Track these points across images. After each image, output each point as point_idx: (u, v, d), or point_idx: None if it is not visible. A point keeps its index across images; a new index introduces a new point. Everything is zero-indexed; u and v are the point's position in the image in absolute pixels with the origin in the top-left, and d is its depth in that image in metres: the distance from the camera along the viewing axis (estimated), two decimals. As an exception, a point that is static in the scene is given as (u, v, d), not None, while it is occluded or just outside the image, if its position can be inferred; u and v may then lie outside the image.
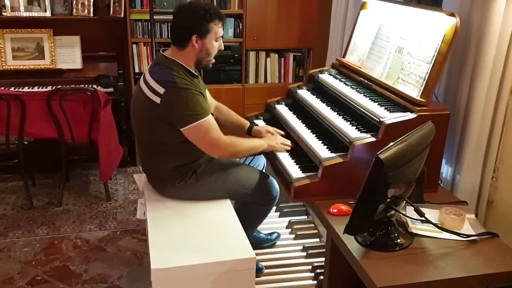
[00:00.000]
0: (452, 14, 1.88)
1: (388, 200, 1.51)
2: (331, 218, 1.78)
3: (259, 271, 2.34)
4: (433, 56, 1.94)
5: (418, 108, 1.90)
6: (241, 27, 3.76)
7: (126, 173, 3.78)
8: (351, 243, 1.61)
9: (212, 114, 2.09)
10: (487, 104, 2.01)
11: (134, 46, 3.66)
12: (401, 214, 1.67)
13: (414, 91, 1.99)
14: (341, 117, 2.15)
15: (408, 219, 1.72)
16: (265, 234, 2.57)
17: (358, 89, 2.26)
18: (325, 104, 2.34)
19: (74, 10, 3.56)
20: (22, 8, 3.48)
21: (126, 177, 3.71)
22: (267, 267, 2.39)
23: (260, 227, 2.51)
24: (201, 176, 2.12)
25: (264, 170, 2.51)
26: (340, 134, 2.02)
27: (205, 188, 2.13)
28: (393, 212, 1.59)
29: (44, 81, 3.50)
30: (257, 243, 2.49)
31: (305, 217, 2.88)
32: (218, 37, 2.06)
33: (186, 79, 2.00)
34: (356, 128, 2.00)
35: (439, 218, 1.73)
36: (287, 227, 2.78)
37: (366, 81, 2.30)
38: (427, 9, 2.07)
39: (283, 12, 3.78)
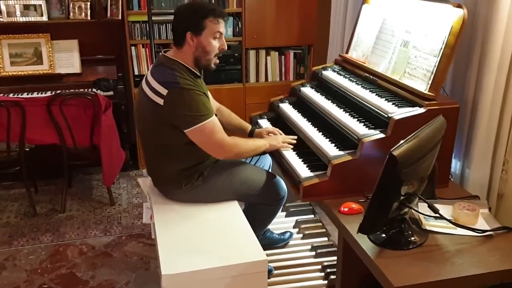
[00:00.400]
0: (459, 6, 1.85)
1: (402, 197, 1.48)
2: (342, 217, 1.75)
3: (268, 273, 2.30)
4: (441, 48, 1.90)
5: (427, 103, 1.86)
6: (240, 25, 3.72)
7: (128, 176, 3.75)
8: (365, 242, 1.58)
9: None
10: (495, 95, 1.98)
11: (132, 48, 3.62)
12: (414, 211, 1.64)
13: (422, 85, 1.96)
14: (348, 114, 2.11)
15: (421, 216, 1.69)
16: (277, 234, 2.54)
17: (363, 85, 2.23)
18: (330, 101, 2.31)
19: (71, 14, 3.52)
20: (18, 13, 3.44)
21: (129, 181, 3.67)
22: (276, 268, 2.36)
23: (272, 227, 2.48)
24: (207, 178, 2.08)
25: (270, 170, 2.48)
26: (348, 131, 1.99)
27: (212, 190, 2.09)
28: (406, 209, 1.55)
29: (43, 87, 3.46)
30: (270, 243, 2.46)
31: (312, 216, 2.85)
32: (216, 34, 2.00)
33: (189, 80, 1.97)
34: (364, 125, 1.97)
35: (453, 213, 1.70)
36: (294, 227, 2.75)
37: (371, 77, 2.27)
38: (433, 1, 2.03)
39: (282, 9, 3.74)
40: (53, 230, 2.96)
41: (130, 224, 3.04)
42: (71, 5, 3.51)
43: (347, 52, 2.66)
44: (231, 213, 2.07)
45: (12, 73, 3.47)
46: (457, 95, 2.18)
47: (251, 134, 2.36)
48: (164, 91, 1.92)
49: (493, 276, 1.46)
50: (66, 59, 3.55)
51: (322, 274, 2.34)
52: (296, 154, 2.14)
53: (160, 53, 2.11)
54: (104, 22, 3.57)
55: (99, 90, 3.47)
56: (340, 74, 2.47)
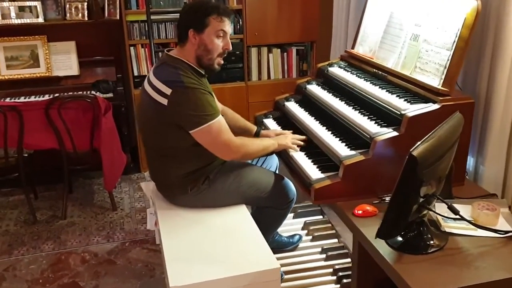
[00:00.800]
0: (472, -4, 1.77)
1: (421, 199, 1.41)
2: (357, 220, 1.67)
3: (279, 278, 2.23)
4: (454, 42, 1.82)
5: (441, 98, 1.78)
6: (241, 23, 3.64)
7: (130, 180, 3.67)
8: (382, 247, 1.50)
9: None
10: (509, 89, 1.90)
11: (131, 48, 3.54)
12: (431, 213, 1.56)
13: (434, 80, 1.88)
14: (358, 111, 2.04)
15: (439, 217, 1.61)
16: (286, 237, 2.46)
17: (372, 81, 2.15)
18: (338, 98, 2.23)
19: (68, 15, 3.44)
20: (13, 15, 3.36)
21: (131, 185, 3.59)
22: (287, 272, 2.29)
23: (280, 230, 2.41)
24: (214, 181, 2.01)
25: (277, 171, 2.40)
26: (359, 129, 1.91)
27: (219, 194, 2.02)
28: (425, 211, 1.48)
29: (40, 90, 3.39)
30: (279, 247, 2.39)
31: (321, 216, 2.78)
32: (219, 33, 1.92)
33: (193, 78, 1.89)
34: (375, 123, 1.89)
35: (472, 214, 1.63)
36: (303, 228, 2.68)
37: (380, 72, 2.19)
38: (443, -8, 1.95)
39: (283, 5, 3.66)
40: (54, 238, 2.88)
41: (133, 229, 2.96)
42: (68, 5, 3.43)
43: (353, 48, 2.58)
44: (240, 218, 1.99)
45: (9, 77, 3.39)
46: (469, 89, 2.11)
47: (256, 136, 2.29)
48: (168, 91, 1.84)
49: (520, 280, 1.38)
50: (64, 61, 3.47)
51: (334, 277, 2.27)
52: (305, 154, 2.06)
53: (163, 52, 2.03)
54: (101, 22, 3.48)
55: (98, 92, 3.39)
56: (347, 71, 2.39)
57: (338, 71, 2.42)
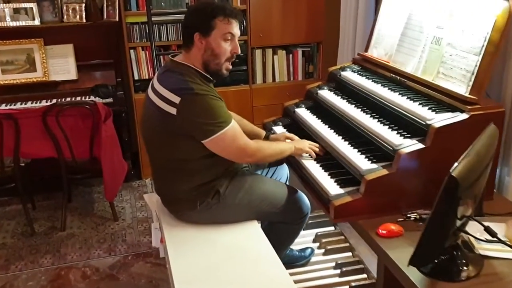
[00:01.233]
0: (504, -3, 1.64)
1: (459, 221, 1.28)
2: (381, 241, 1.54)
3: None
4: (482, 46, 1.69)
5: (469, 107, 1.66)
6: (245, 24, 3.50)
7: (131, 188, 3.54)
8: (412, 272, 1.37)
9: None
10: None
11: (132, 51, 3.40)
12: (463, 234, 1.44)
13: (461, 87, 1.75)
14: (377, 120, 1.91)
15: (472, 238, 1.48)
16: (298, 251, 2.34)
17: (390, 87, 2.02)
18: (353, 105, 2.10)
19: (65, 17, 3.30)
20: (8, 17, 3.22)
21: (132, 193, 3.46)
22: (300, 290, 2.16)
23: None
24: (224, 195, 1.88)
25: (287, 182, 2.27)
26: (379, 140, 1.78)
27: (230, 209, 1.89)
28: (460, 234, 1.35)
29: (37, 96, 3.25)
30: (291, 261, 2.26)
31: (332, 228, 2.65)
32: (226, 36, 1.79)
33: (202, 85, 1.77)
34: (397, 133, 1.76)
35: (507, 233, 1.50)
36: (314, 241, 2.55)
37: (398, 78, 2.06)
38: (469, -8, 1.82)
39: (288, 5, 3.53)
40: (53, 251, 2.75)
41: (136, 241, 2.83)
42: (65, 7, 3.28)
43: (366, 50, 2.45)
44: (252, 235, 1.86)
45: (4, 82, 3.24)
46: (493, 95, 1.98)
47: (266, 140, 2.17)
48: (176, 99, 1.71)
49: None
50: (61, 65, 3.33)
51: (351, 295, 2.14)
52: (320, 166, 1.93)
53: (168, 58, 1.90)
54: (100, 24, 3.34)
55: (97, 97, 3.26)
56: (362, 75, 2.26)
57: (351, 76, 2.29)
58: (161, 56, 3.45)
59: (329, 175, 1.85)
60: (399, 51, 2.14)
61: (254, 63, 3.63)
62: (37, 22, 3.26)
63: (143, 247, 2.76)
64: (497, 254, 1.43)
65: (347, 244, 2.47)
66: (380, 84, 2.09)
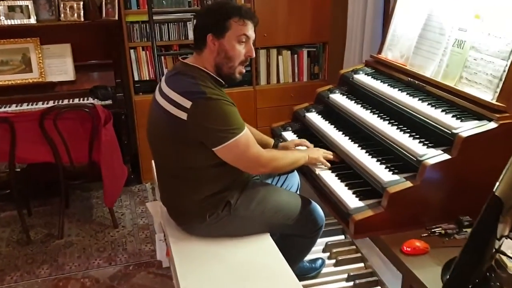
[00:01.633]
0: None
1: (498, 242, 1.18)
2: (407, 259, 1.44)
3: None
4: (511, 50, 1.59)
5: (498, 115, 1.55)
6: (249, 23, 3.38)
7: (131, 192, 3.42)
8: (442, 295, 1.27)
9: None
10: None
11: (132, 51, 3.28)
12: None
13: (487, 94, 1.65)
14: (396, 127, 1.81)
15: (504, 257, 1.38)
16: (308, 262, 2.23)
17: (409, 92, 1.92)
18: (369, 111, 2.00)
19: (62, 15, 3.17)
20: (2, 16, 3.08)
21: (132, 198, 3.34)
22: (312, 304, 2.06)
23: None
24: (235, 207, 1.77)
25: (298, 192, 2.17)
26: (401, 150, 1.68)
27: (241, 221, 1.78)
28: (497, 255, 1.25)
29: (33, 97, 3.12)
30: (301, 273, 2.14)
31: (343, 236, 2.55)
32: (241, 38, 1.69)
33: (214, 89, 1.66)
34: (419, 142, 1.66)
35: (540, 251, 1.40)
36: (324, 251, 2.45)
37: (416, 82, 1.96)
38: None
39: (294, 4, 3.41)
40: (50, 261, 2.63)
41: (137, 250, 2.72)
42: (62, 5, 3.15)
43: (380, 52, 2.34)
44: (265, 249, 1.76)
45: (-2, 83, 3.11)
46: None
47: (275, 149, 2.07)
48: (187, 104, 1.60)
49: None
50: (58, 65, 3.20)
51: (366, 311, 2.05)
52: (336, 176, 1.82)
53: (178, 60, 1.80)
54: (99, 23, 3.21)
55: (96, 99, 3.14)
56: (376, 78, 2.16)
57: (365, 79, 2.19)
58: (162, 57, 3.33)
59: (346, 185, 1.74)
60: (416, 54, 2.04)
61: (258, 64, 3.52)
62: (33, 20, 3.14)
63: (145, 256, 2.65)
64: (533, 275, 1.34)
65: (359, 255, 2.37)
66: (397, 89, 1.98)
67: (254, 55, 1.76)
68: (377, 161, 1.73)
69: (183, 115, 1.61)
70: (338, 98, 2.22)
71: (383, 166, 1.69)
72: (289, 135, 2.27)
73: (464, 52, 1.79)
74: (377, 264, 2.29)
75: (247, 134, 1.67)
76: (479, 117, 1.62)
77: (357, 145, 1.88)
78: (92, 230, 2.94)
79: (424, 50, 2.00)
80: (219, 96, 1.65)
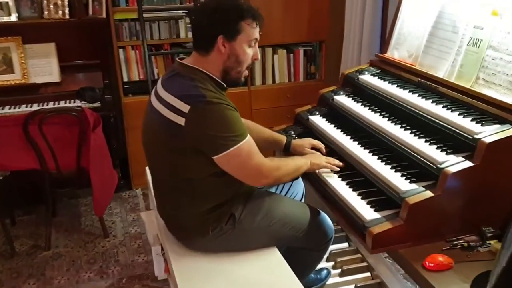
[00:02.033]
0: None
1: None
2: (430, 276, 1.34)
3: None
4: (534, 49, 1.50)
5: (521, 119, 1.46)
6: (243, 21, 3.25)
7: (121, 199, 3.26)
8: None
9: None
10: None
11: (120, 50, 3.13)
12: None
13: (508, 96, 1.55)
14: (409, 131, 1.70)
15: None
16: (313, 273, 2.11)
17: (420, 94, 1.82)
18: (378, 114, 1.89)
19: (46, 12, 2.99)
20: (-19, 13, 2.90)
21: (122, 205, 3.19)
22: (319, 319, 1.95)
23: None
24: (239, 220, 1.64)
25: (303, 200, 2.05)
26: (417, 156, 1.58)
27: (247, 235, 1.65)
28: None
29: (16, 100, 2.94)
30: (306, 285, 2.00)
31: (347, 244, 2.44)
32: (252, 41, 1.59)
33: (215, 92, 1.53)
34: (437, 148, 1.56)
35: None
36: (328, 260, 2.33)
37: (427, 83, 1.86)
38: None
39: (290, 1, 3.30)
40: (37, 275, 2.47)
41: (130, 261, 2.57)
42: (45, 2, 2.97)
43: (385, 52, 2.24)
44: (273, 264, 1.63)
45: (-22, 85, 2.93)
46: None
47: (287, 148, 1.96)
48: (185, 108, 1.47)
49: None
50: (42, 66, 3.03)
51: (377, 325, 1.94)
52: (346, 184, 1.71)
53: (175, 61, 1.66)
54: (85, 21, 3.04)
55: (83, 102, 2.97)
56: (383, 79, 2.06)
57: (372, 80, 2.08)
58: (153, 56, 3.18)
59: (359, 195, 1.63)
60: (427, 53, 1.94)
61: (253, 63, 3.39)
62: (14, 18, 2.95)
63: (138, 268, 2.51)
64: None
65: (365, 264, 2.26)
66: (407, 90, 1.88)
67: (259, 58, 1.65)
68: (392, 168, 1.62)
69: (181, 120, 1.48)
70: (344, 100, 2.11)
71: (399, 174, 1.58)
72: (291, 140, 2.15)
73: (480, 51, 1.69)
74: (385, 274, 2.18)
75: (250, 142, 1.55)
76: (501, 121, 1.52)
77: (367, 150, 1.77)
78: (81, 240, 2.78)
79: (435, 49, 1.90)
80: (220, 100, 1.52)
